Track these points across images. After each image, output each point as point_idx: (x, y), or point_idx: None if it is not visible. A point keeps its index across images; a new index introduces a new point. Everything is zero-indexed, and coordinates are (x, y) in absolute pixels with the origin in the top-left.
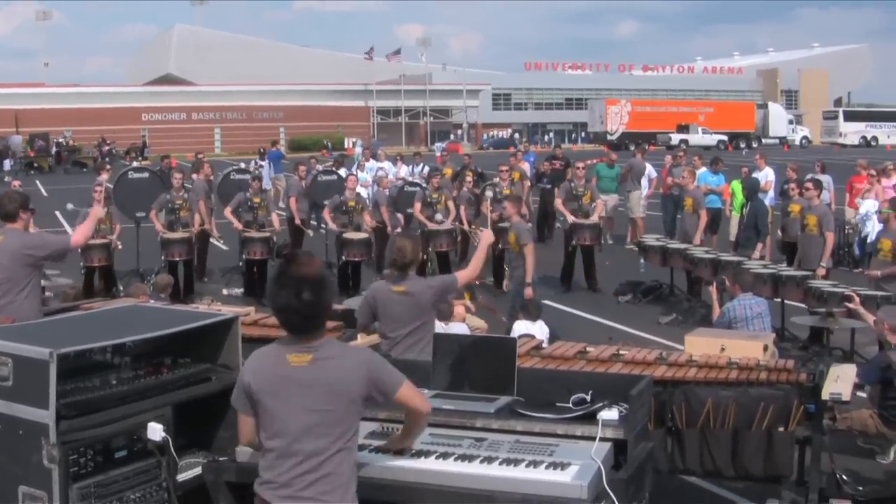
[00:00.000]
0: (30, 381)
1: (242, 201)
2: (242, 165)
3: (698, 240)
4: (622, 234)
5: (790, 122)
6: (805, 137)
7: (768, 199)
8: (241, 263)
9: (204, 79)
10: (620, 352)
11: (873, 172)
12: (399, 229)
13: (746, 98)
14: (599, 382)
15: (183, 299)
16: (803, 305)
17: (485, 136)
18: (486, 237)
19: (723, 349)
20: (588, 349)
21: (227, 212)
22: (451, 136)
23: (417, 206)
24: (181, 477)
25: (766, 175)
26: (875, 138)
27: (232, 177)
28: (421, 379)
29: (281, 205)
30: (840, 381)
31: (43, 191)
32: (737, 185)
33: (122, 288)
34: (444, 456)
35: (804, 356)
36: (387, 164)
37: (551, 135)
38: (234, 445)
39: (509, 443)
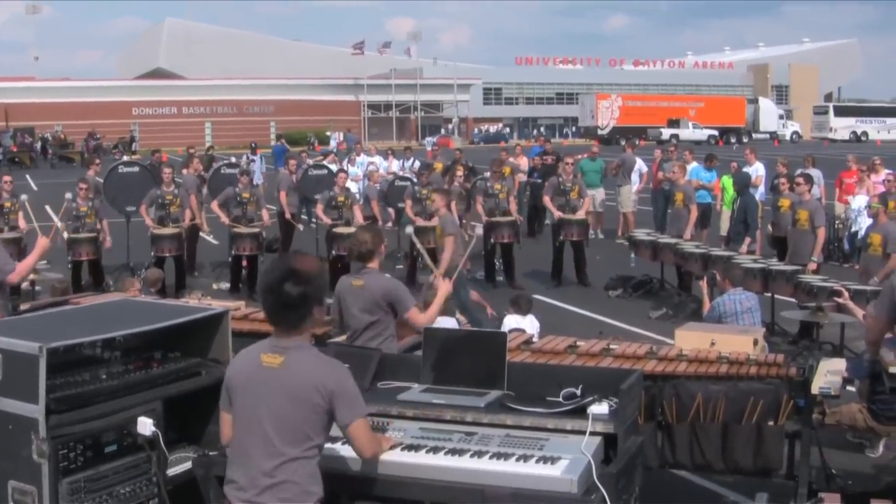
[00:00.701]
0: (19, 375)
1: (231, 196)
2: (233, 160)
3: (688, 234)
4: (612, 229)
5: (781, 116)
6: (795, 132)
7: (758, 193)
8: (229, 259)
9: (194, 73)
10: (611, 346)
11: (863, 168)
12: (390, 223)
13: (737, 93)
14: (589, 377)
15: (175, 294)
16: (793, 300)
17: (476, 131)
18: (443, 288)
19: (713, 344)
20: (578, 343)
21: (215, 205)
22: (442, 131)
23: (408, 202)
24: (171, 471)
25: (756, 170)
26: (865, 133)
27: (222, 171)
28: (410, 373)
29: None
30: (829, 375)
31: (33, 185)
32: (727, 180)
33: (112, 282)
34: (435, 450)
35: (794, 351)
36: (377, 159)
37: (542, 129)
38: (231, 448)
39: (499, 437)
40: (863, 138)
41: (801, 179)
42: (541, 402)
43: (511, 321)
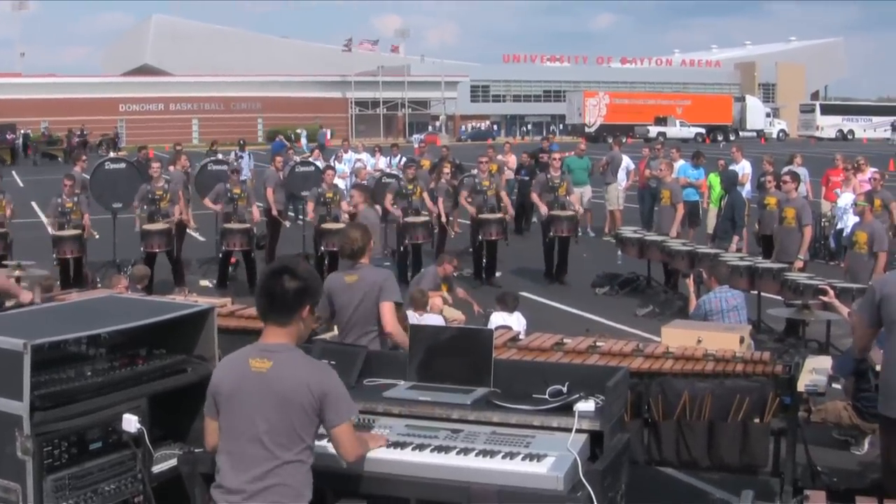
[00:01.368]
0: (3, 372)
1: (222, 192)
2: (220, 156)
3: (675, 232)
4: (600, 226)
5: (767, 115)
6: (782, 131)
7: (745, 191)
8: (220, 255)
9: (181, 69)
10: (597, 343)
11: (849, 166)
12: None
13: (724, 91)
14: (576, 374)
15: (175, 289)
16: (780, 298)
17: (462, 128)
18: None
19: (699, 341)
20: (565, 341)
21: (207, 201)
22: (430, 128)
23: (388, 197)
24: (156, 468)
25: (742, 168)
26: (851, 132)
27: (209, 168)
28: (397, 370)
29: None
30: (815, 373)
31: (19, 181)
32: (714, 178)
33: (98, 279)
34: (421, 447)
35: (780, 348)
36: (364, 156)
37: (529, 126)
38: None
39: (485, 434)
40: (849, 136)
41: (787, 177)
42: (527, 399)
43: (498, 318)
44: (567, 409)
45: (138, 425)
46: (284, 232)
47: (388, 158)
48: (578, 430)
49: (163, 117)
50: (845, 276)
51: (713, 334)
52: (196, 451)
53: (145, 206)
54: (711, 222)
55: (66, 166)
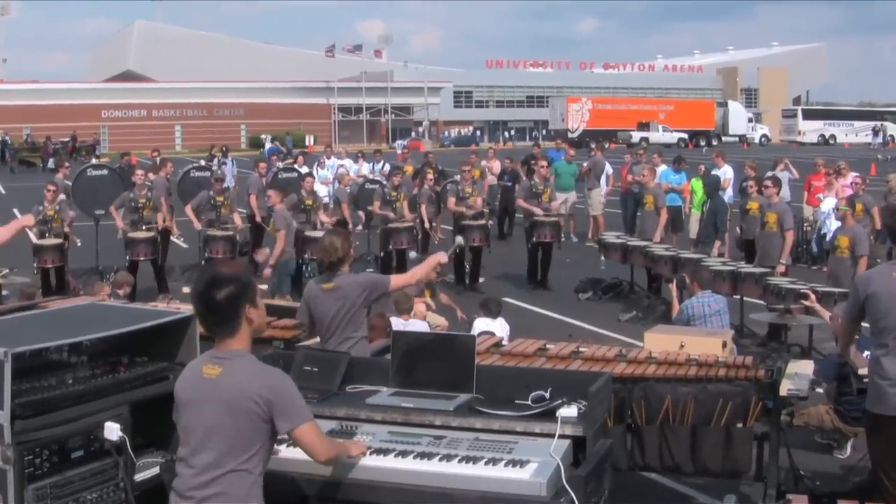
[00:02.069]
0: None
1: (205, 199)
2: (202, 163)
3: (658, 237)
4: (583, 232)
5: (750, 120)
6: (764, 135)
7: (727, 196)
8: (203, 262)
9: (164, 75)
10: (580, 349)
11: (831, 171)
12: (360, 227)
13: (706, 96)
14: (559, 379)
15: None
16: (762, 302)
17: (444, 134)
18: (434, 258)
19: (682, 346)
20: (548, 346)
21: (188, 209)
22: (413, 134)
23: (377, 204)
24: (139, 477)
25: (724, 173)
26: (833, 136)
27: (192, 174)
28: (379, 377)
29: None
30: (798, 377)
31: (0, 188)
32: (697, 183)
33: (80, 287)
34: (403, 454)
35: (763, 353)
36: (347, 162)
37: (512, 132)
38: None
39: (468, 440)
40: (831, 141)
41: (769, 182)
42: (510, 405)
43: (481, 324)
44: (550, 415)
45: (120, 433)
46: (266, 238)
47: (371, 164)
48: (561, 436)
49: (145, 123)
50: (828, 281)
51: (696, 339)
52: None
53: (127, 214)
54: (694, 227)
55: (44, 174)
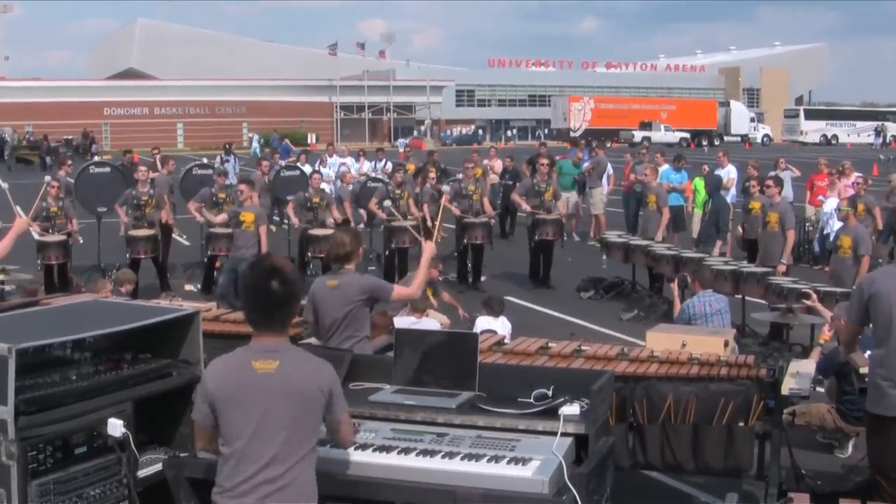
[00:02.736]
0: None
1: (207, 197)
2: (205, 161)
3: (660, 236)
4: (584, 231)
5: (752, 119)
6: (766, 135)
7: (730, 196)
8: (205, 259)
9: (166, 73)
10: (582, 347)
11: (833, 171)
12: (362, 225)
13: (709, 96)
14: (561, 378)
15: (161, 293)
16: (764, 302)
17: (445, 133)
18: (427, 249)
19: (684, 345)
20: (550, 345)
21: (191, 205)
22: (415, 133)
23: (373, 201)
24: (142, 473)
25: (728, 172)
26: (835, 136)
27: (194, 172)
28: (382, 374)
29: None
30: (799, 376)
31: (1, 183)
32: (699, 182)
33: (83, 284)
34: (406, 451)
35: (764, 352)
36: (349, 160)
37: (514, 131)
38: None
39: (471, 438)
40: (833, 141)
41: (770, 182)
42: (512, 403)
43: (483, 322)
44: (552, 413)
45: (123, 429)
46: (270, 236)
47: (373, 163)
48: (563, 434)
49: (147, 121)
50: (829, 281)
51: (697, 338)
52: (181, 455)
53: (130, 211)
54: (696, 227)
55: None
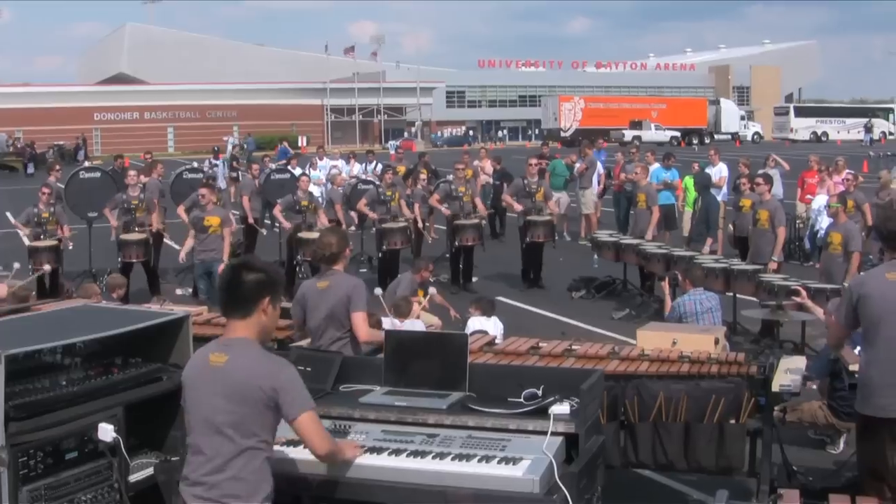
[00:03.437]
0: None
1: (197, 201)
2: (195, 165)
3: (650, 235)
4: (576, 230)
5: (742, 117)
6: (757, 133)
7: (721, 194)
8: (194, 263)
9: (156, 78)
10: (573, 347)
11: (824, 167)
12: (353, 227)
13: (699, 94)
14: (551, 377)
15: (152, 298)
16: (755, 299)
17: (436, 134)
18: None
19: (674, 343)
20: (541, 344)
21: (181, 210)
22: (405, 134)
23: (362, 202)
24: (133, 478)
25: (719, 170)
26: (825, 133)
27: (184, 176)
28: (372, 376)
29: None
30: (790, 373)
31: None
32: (689, 181)
33: (74, 290)
34: (397, 452)
35: (756, 349)
36: (339, 163)
37: (505, 132)
38: (186, 445)
39: (462, 438)
40: (823, 138)
41: (760, 179)
42: (502, 403)
43: (475, 323)
44: (542, 413)
45: (114, 434)
46: (261, 240)
47: (364, 165)
48: (554, 433)
49: (138, 126)
50: (820, 278)
51: (688, 336)
52: (172, 459)
53: (120, 216)
54: (687, 225)
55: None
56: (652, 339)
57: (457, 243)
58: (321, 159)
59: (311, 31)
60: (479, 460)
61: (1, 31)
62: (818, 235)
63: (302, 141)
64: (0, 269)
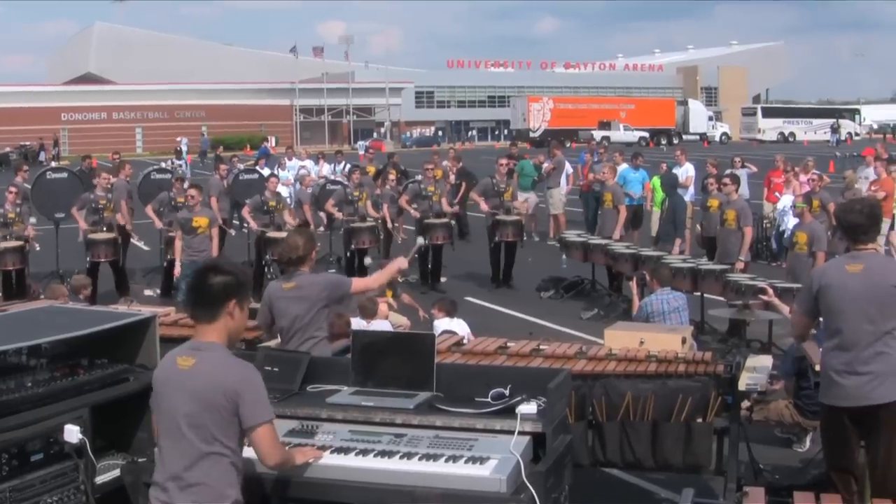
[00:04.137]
0: None
1: (165, 201)
2: (163, 165)
3: (618, 234)
4: (544, 231)
5: (710, 118)
6: (725, 133)
7: (689, 194)
8: (165, 264)
9: (124, 77)
10: (541, 347)
11: (790, 168)
12: (322, 228)
13: (667, 95)
14: (519, 377)
15: (120, 299)
16: (723, 299)
17: (405, 135)
18: (397, 263)
19: (642, 343)
20: (509, 344)
21: (149, 209)
22: (375, 135)
23: (330, 202)
24: (99, 479)
25: (686, 171)
26: (792, 134)
27: (152, 176)
28: (340, 376)
29: None
30: (756, 371)
31: None
32: (657, 181)
33: (42, 291)
34: (364, 452)
35: (723, 348)
36: (308, 163)
37: (474, 132)
38: (153, 446)
39: (429, 438)
40: (790, 139)
41: (727, 180)
42: (470, 402)
43: (442, 324)
44: (509, 412)
45: (80, 436)
46: (229, 240)
47: (333, 165)
48: (521, 433)
49: (106, 126)
50: (787, 277)
51: (655, 335)
52: (139, 460)
53: (88, 216)
54: (655, 225)
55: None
56: (620, 339)
57: (427, 242)
58: (290, 160)
59: (281, 31)
60: (447, 460)
61: None
62: (784, 235)
63: (271, 141)
64: None
